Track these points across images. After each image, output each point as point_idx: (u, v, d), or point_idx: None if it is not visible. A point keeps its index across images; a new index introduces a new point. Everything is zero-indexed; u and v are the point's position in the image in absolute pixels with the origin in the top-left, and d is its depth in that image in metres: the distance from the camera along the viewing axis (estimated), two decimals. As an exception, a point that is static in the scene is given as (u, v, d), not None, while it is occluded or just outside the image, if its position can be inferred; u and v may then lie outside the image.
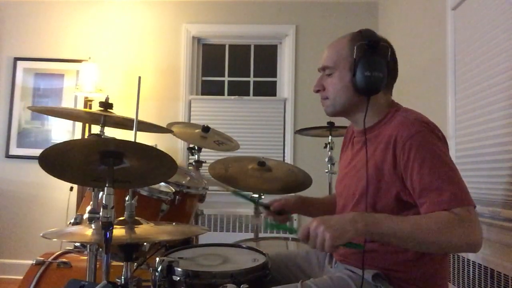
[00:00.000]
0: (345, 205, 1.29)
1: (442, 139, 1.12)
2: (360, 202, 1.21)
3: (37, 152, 1.10)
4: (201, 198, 2.26)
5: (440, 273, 1.17)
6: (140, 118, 1.54)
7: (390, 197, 1.13)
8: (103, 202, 1.11)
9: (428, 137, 1.09)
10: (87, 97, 3.45)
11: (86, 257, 1.60)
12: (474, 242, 0.99)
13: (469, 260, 1.77)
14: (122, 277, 1.21)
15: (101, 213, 1.10)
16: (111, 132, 1.90)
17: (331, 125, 2.30)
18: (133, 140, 1.38)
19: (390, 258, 1.15)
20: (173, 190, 1.97)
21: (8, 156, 3.56)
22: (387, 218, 1.04)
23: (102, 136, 1.80)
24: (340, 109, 1.25)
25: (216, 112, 3.63)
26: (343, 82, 1.20)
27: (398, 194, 1.12)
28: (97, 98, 3.32)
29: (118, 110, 1.86)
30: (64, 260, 1.79)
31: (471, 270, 1.76)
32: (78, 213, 1.87)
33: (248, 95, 3.74)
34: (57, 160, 1.17)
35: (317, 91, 1.27)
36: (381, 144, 1.16)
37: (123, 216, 1.32)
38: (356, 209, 1.22)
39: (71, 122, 3.56)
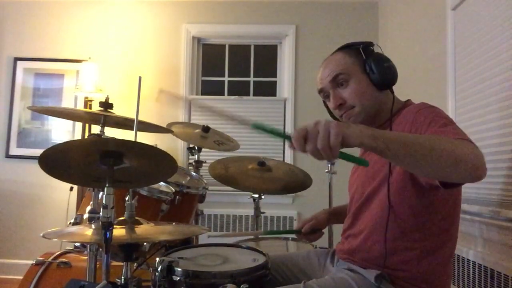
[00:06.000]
0: (357, 201, 1.28)
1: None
2: (373, 197, 1.21)
3: (37, 152, 1.10)
4: (201, 198, 2.26)
5: (444, 273, 1.17)
6: (140, 118, 1.54)
7: (407, 182, 1.11)
8: (103, 202, 1.11)
9: (434, 108, 1.12)
10: (87, 97, 3.45)
11: (86, 257, 1.60)
12: (484, 161, 0.90)
13: (469, 260, 1.77)
14: (122, 277, 1.21)
15: (101, 213, 1.10)
16: (111, 132, 1.91)
17: (331, 125, 2.29)
18: (133, 140, 1.38)
19: (394, 258, 1.15)
20: (173, 190, 1.97)
21: (8, 156, 3.56)
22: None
23: (102, 136, 1.80)
24: (371, 111, 1.22)
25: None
26: (364, 85, 1.21)
27: (414, 178, 1.10)
28: (97, 98, 3.33)
29: (118, 110, 1.86)
30: (64, 260, 1.79)
31: (471, 270, 1.76)
32: (78, 213, 1.87)
33: (248, 95, 3.74)
34: (57, 161, 1.17)
35: (339, 105, 1.22)
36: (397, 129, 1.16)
37: (123, 216, 1.32)
38: (369, 202, 1.22)
39: (71, 122, 3.56)
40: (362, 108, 1.21)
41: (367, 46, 1.23)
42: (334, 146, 0.83)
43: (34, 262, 1.79)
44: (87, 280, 1.53)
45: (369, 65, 1.19)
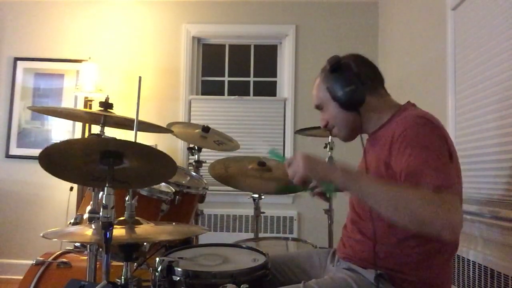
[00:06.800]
0: (352, 205, 1.32)
1: (438, 130, 1.11)
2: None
3: (37, 152, 1.10)
4: (201, 198, 2.26)
5: (444, 275, 1.17)
6: (140, 118, 1.54)
7: None
8: (103, 202, 1.11)
9: (420, 129, 1.10)
10: (87, 97, 3.45)
11: (86, 257, 1.60)
12: (451, 225, 0.94)
13: (469, 260, 1.77)
14: (122, 277, 1.21)
15: (101, 213, 1.10)
16: (111, 132, 1.90)
17: (331, 125, 2.30)
18: (133, 140, 1.38)
19: (395, 259, 1.15)
20: (173, 190, 1.97)
21: (8, 156, 3.56)
22: (371, 178, 1.12)
23: (102, 136, 1.80)
24: (348, 131, 1.32)
25: (216, 112, 3.63)
26: (334, 110, 1.29)
27: None
28: (97, 98, 3.32)
29: (118, 110, 1.86)
30: (64, 260, 1.79)
31: (471, 270, 1.76)
32: (78, 213, 1.87)
33: (248, 95, 3.73)
34: (57, 160, 1.17)
35: (325, 126, 1.36)
36: (382, 141, 1.19)
37: (123, 216, 1.32)
38: (362, 209, 1.23)
39: (71, 122, 3.56)
40: (338, 129, 1.33)
41: (331, 69, 1.25)
42: (297, 180, 1.12)
43: (34, 262, 1.79)
44: (87, 280, 1.54)
45: (334, 92, 1.25)
